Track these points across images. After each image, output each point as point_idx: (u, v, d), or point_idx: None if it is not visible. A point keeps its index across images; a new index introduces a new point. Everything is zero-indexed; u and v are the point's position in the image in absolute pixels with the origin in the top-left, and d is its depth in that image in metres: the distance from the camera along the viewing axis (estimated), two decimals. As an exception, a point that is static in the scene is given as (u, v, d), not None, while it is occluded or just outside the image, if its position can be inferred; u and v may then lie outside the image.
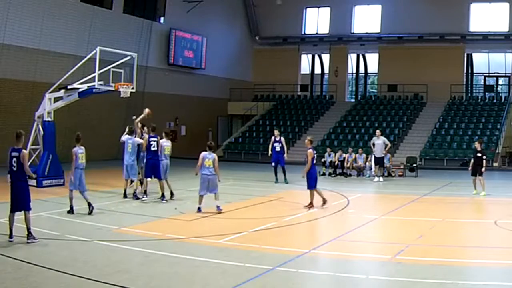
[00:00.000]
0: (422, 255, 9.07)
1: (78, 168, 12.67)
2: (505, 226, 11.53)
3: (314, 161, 13.98)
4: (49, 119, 17.77)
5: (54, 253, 8.99)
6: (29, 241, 9.48)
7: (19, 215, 9.79)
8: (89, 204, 12.56)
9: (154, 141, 14.85)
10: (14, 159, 9.71)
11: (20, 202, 9.68)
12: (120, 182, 16.53)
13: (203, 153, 13.18)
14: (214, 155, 13.22)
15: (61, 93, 17.73)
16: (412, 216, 13.47)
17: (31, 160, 17.87)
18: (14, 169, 9.73)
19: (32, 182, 17.17)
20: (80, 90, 17.40)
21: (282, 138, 20.22)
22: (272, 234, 10.95)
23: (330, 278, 8.01)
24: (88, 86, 17.32)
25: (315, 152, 14.13)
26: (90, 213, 12.45)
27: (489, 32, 34.42)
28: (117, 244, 9.65)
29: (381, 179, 21.09)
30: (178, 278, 7.85)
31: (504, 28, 33.99)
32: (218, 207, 13.13)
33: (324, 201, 14.13)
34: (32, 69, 24.75)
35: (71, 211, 12.54)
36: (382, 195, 18.34)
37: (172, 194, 15.31)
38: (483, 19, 34.73)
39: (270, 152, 20.29)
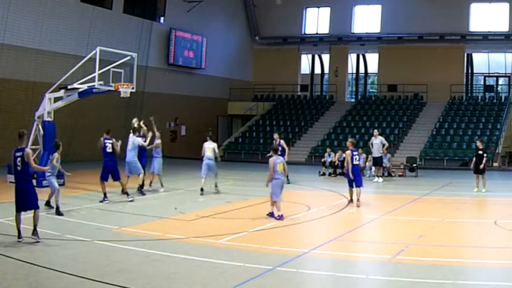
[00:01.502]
0: (422, 255, 9.07)
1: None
2: (505, 226, 11.52)
3: (355, 161, 14.82)
4: (49, 119, 17.76)
5: (54, 253, 8.98)
6: (33, 236, 9.50)
7: (25, 214, 9.80)
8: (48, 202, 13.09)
9: (110, 143, 15.01)
10: (18, 159, 9.72)
11: (27, 201, 9.68)
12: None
13: (273, 159, 12.55)
14: (282, 158, 13.06)
15: (61, 93, 17.72)
16: (412, 216, 13.47)
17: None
18: (19, 168, 9.75)
19: (32, 182, 17.21)
20: (80, 90, 17.39)
21: (282, 141, 20.05)
22: (272, 234, 10.95)
23: (330, 278, 8.01)
24: (88, 86, 17.30)
25: (354, 152, 14.83)
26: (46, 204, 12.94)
27: (489, 32, 34.41)
28: (117, 244, 9.64)
29: (380, 179, 21.10)
30: (178, 278, 7.84)
31: (504, 28, 33.99)
32: (273, 213, 12.57)
33: (351, 201, 14.76)
34: (32, 69, 24.74)
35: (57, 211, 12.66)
36: (382, 195, 18.34)
37: (216, 186, 16.76)
38: (483, 19, 34.72)
39: None
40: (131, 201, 14.69)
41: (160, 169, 16.92)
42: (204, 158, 16.53)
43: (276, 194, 12.45)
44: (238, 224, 11.87)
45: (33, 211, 9.76)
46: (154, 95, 31.89)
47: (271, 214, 12.52)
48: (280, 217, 12.30)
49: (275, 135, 20.41)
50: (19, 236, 9.58)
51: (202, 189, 16.22)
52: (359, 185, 14.77)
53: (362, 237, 10.99)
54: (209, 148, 16.60)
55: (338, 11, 38.25)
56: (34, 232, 9.61)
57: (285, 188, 18.47)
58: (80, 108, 23.80)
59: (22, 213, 9.76)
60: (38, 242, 9.53)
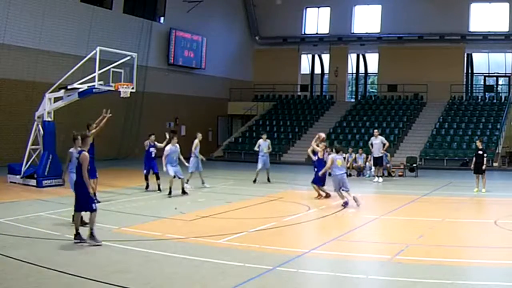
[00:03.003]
0: (422, 255, 9.06)
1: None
2: (505, 226, 11.52)
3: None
4: (49, 119, 17.77)
5: (54, 253, 8.98)
6: (76, 241, 9.41)
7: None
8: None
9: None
10: (76, 161, 9.74)
11: (80, 203, 9.62)
12: (119, 182, 16.56)
13: (332, 155, 14.64)
14: (342, 156, 14.93)
15: (61, 93, 17.71)
16: (412, 216, 13.46)
17: (31, 160, 17.87)
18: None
19: (33, 182, 17.24)
20: (80, 90, 17.39)
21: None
22: (272, 234, 10.94)
23: (330, 278, 8.00)
24: (88, 86, 17.30)
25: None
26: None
27: (489, 32, 34.42)
28: (117, 244, 9.63)
29: (380, 179, 21.10)
30: (178, 278, 7.84)
31: (504, 28, 33.99)
32: (346, 203, 14.24)
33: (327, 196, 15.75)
34: (32, 69, 24.74)
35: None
36: (382, 195, 18.34)
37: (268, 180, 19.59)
38: (483, 19, 34.73)
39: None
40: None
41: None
42: (260, 154, 19.68)
43: (334, 187, 14.45)
44: (238, 224, 11.87)
45: (78, 213, 9.68)
46: (154, 95, 31.89)
47: (345, 204, 14.16)
48: (346, 204, 14.10)
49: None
50: (76, 236, 9.48)
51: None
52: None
53: (362, 237, 10.98)
54: (266, 146, 19.85)
55: (338, 11, 38.25)
56: (91, 236, 9.46)
57: (285, 188, 18.63)
58: (80, 108, 23.78)
59: (81, 213, 9.77)
60: (82, 243, 9.39)
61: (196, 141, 18.05)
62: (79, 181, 9.64)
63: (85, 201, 9.59)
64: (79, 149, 11.84)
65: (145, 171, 17.26)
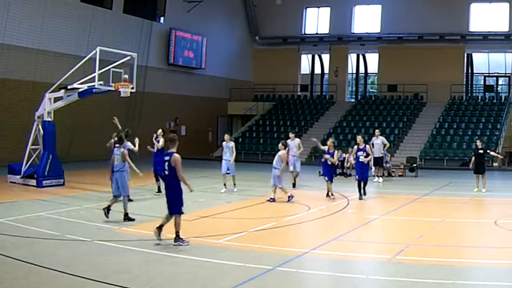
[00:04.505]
0: (422, 255, 9.07)
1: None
2: (505, 226, 11.53)
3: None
4: (49, 119, 17.76)
5: (54, 253, 8.98)
6: (176, 243, 9.41)
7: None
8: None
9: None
10: (166, 163, 9.57)
11: (170, 207, 9.58)
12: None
13: (284, 151, 15.23)
14: (280, 153, 15.22)
15: (61, 93, 17.70)
16: (412, 216, 13.47)
17: (31, 161, 17.87)
18: (166, 173, 9.63)
19: (33, 182, 17.24)
20: (80, 90, 17.37)
21: (368, 146, 17.08)
22: (272, 234, 10.94)
23: (330, 278, 8.01)
24: (88, 86, 17.28)
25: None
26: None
27: (489, 32, 34.42)
28: (117, 244, 9.64)
29: (380, 179, 21.10)
30: (178, 278, 7.84)
31: (504, 28, 34.00)
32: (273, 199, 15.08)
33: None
34: (32, 69, 24.74)
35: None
36: (382, 195, 18.33)
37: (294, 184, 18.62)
38: (483, 19, 34.74)
39: (352, 162, 18.87)
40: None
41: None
42: (291, 154, 18.12)
43: (277, 181, 15.15)
44: (238, 224, 11.87)
45: (173, 216, 9.61)
46: (154, 95, 31.88)
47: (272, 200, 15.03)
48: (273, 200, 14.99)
49: (359, 138, 16.84)
50: (176, 239, 9.48)
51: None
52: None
53: (362, 237, 10.97)
54: (296, 145, 18.73)
55: (338, 11, 38.26)
56: (177, 238, 9.47)
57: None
58: (80, 108, 23.80)
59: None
60: (186, 244, 9.41)
61: (224, 144, 17.69)
62: (172, 184, 9.57)
63: (174, 202, 9.54)
64: (122, 149, 12.01)
65: (155, 170, 16.34)
